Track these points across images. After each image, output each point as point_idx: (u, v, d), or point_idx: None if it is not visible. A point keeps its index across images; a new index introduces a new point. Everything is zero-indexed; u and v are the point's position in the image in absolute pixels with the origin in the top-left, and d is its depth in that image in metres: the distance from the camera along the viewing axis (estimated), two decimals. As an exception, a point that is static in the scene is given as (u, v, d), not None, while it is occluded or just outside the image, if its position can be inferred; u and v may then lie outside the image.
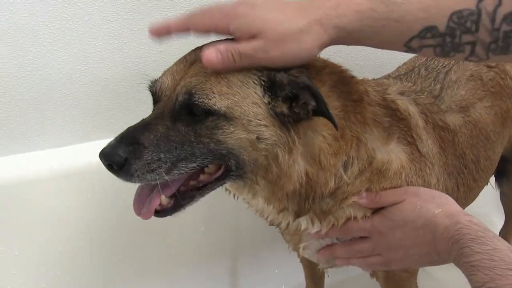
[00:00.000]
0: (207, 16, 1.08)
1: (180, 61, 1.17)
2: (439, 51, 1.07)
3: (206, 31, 1.09)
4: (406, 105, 1.36)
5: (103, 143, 1.84)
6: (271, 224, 1.35)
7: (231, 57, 1.03)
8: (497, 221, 2.30)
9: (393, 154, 1.25)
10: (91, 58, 1.74)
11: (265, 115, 1.07)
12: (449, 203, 1.17)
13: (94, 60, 1.75)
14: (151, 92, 1.18)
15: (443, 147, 1.40)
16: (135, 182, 1.09)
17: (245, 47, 1.02)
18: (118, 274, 1.97)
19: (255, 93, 1.07)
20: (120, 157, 1.04)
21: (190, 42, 1.13)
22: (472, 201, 1.65)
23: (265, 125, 1.08)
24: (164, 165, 1.07)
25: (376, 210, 1.24)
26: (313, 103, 1.06)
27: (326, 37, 1.03)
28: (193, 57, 1.14)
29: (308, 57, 1.09)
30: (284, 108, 1.08)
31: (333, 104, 1.12)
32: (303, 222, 1.27)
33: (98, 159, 1.80)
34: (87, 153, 1.83)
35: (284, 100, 1.08)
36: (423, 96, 1.43)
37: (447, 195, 1.22)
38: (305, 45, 1.03)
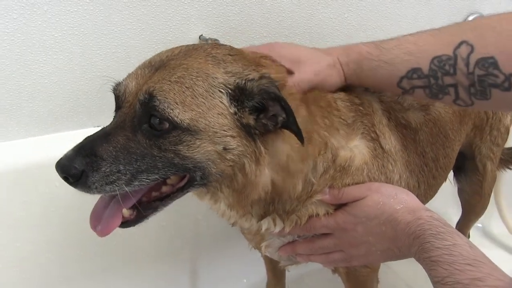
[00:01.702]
0: (264, 47, 1.34)
1: (144, 65, 1.13)
2: (429, 93, 1.24)
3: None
4: (370, 101, 1.37)
5: (62, 135, 1.84)
6: (234, 225, 1.35)
7: (298, 86, 1.21)
8: (453, 213, 2.35)
9: (357, 150, 1.26)
10: (50, 49, 1.69)
11: (231, 125, 1.06)
12: (411, 199, 1.20)
13: (53, 51, 1.69)
14: (114, 94, 1.14)
15: (405, 145, 1.42)
16: (93, 193, 1.06)
17: (302, 75, 1.24)
18: (77, 271, 1.93)
19: (221, 103, 1.06)
20: (76, 170, 1.02)
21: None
22: (432, 198, 1.68)
23: (231, 136, 1.06)
24: (123, 176, 1.05)
25: (339, 207, 1.26)
26: (283, 115, 1.06)
27: (342, 71, 1.30)
28: (159, 63, 1.11)
29: (337, 83, 1.30)
30: (250, 120, 1.07)
31: (301, 113, 1.12)
32: (265, 223, 1.27)
33: (57, 153, 1.78)
34: (45, 146, 1.79)
35: (251, 111, 1.07)
36: (388, 94, 1.43)
37: (409, 191, 1.24)
38: (335, 78, 1.29)
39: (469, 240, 1.06)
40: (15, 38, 1.62)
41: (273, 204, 1.21)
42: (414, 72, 1.22)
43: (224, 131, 1.06)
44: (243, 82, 1.07)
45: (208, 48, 1.15)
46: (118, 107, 1.13)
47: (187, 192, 1.16)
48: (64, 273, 1.90)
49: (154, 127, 1.04)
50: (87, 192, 1.05)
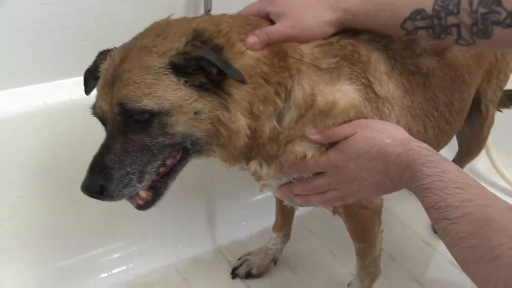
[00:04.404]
0: (256, 3, 1.39)
1: (102, 85, 1.23)
2: (432, 33, 1.26)
3: (254, 12, 1.38)
4: (369, 50, 1.36)
5: (63, 83, 1.83)
6: (228, 168, 1.39)
7: (265, 35, 1.24)
8: (445, 154, 2.33)
9: (340, 93, 1.27)
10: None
11: (190, 93, 1.16)
12: (400, 132, 1.21)
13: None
14: (95, 116, 1.26)
15: (409, 91, 1.42)
16: (118, 200, 1.20)
17: (276, 26, 1.28)
18: (81, 219, 1.95)
19: (171, 81, 1.16)
20: (96, 187, 1.17)
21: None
22: (446, 144, 1.67)
23: (195, 100, 1.17)
24: (133, 176, 1.18)
25: (330, 146, 1.27)
26: (214, 69, 1.15)
27: (335, 17, 1.30)
28: (111, 79, 1.20)
29: (322, 33, 1.31)
30: (202, 79, 1.17)
31: (245, 60, 1.21)
32: (252, 166, 1.35)
33: (54, 100, 1.79)
34: (43, 93, 1.81)
35: (197, 73, 1.17)
36: (398, 41, 1.43)
37: (398, 126, 1.25)
38: (319, 25, 1.30)
39: (457, 166, 1.08)
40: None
41: (253, 150, 1.28)
42: (418, 13, 1.24)
43: (187, 100, 1.16)
44: (172, 59, 1.16)
45: (137, 43, 1.23)
46: (104, 124, 1.25)
47: (187, 161, 1.28)
48: (67, 221, 1.92)
49: (139, 120, 1.16)
50: (112, 200, 1.19)
